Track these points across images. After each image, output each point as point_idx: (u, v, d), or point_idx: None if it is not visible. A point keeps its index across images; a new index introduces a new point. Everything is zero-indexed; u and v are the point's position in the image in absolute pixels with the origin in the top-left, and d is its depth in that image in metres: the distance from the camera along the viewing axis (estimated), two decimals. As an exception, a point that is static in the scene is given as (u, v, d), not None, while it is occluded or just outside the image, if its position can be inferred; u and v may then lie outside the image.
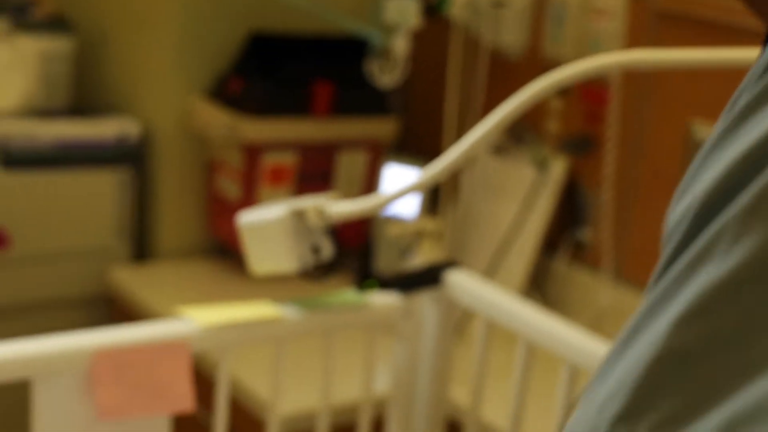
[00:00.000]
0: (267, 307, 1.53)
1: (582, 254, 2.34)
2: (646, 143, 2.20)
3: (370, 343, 1.63)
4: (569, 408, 1.50)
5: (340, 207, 1.40)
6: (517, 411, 1.56)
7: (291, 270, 1.44)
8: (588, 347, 1.44)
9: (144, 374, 1.42)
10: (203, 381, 1.63)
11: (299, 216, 1.41)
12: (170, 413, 1.46)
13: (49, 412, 1.40)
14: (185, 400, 1.45)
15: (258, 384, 1.97)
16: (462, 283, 1.63)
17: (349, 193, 2.32)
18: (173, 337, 1.45)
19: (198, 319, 1.47)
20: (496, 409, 1.80)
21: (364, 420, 1.66)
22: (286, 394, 1.61)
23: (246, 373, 1.98)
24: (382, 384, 1.77)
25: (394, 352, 1.69)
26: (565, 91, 2.31)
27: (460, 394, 1.81)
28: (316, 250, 1.44)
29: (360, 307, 1.60)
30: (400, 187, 1.41)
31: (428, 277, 1.63)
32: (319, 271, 2.38)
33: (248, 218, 1.46)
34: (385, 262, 2.41)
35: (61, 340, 1.41)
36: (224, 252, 2.57)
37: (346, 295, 1.60)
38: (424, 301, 1.65)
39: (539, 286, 2.35)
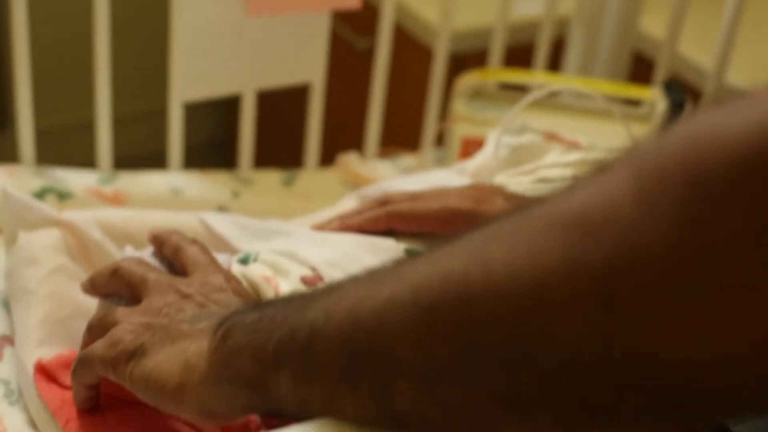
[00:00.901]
0: None
1: None
2: None
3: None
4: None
5: None
6: (727, 42, 1.34)
7: None
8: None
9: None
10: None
11: None
12: (331, 9, 1.27)
13: (189, 6, 1.21)
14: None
15: (426, 9, 1.71)
16: None
17: None
18: None
19: None
20: (695, 44, 1.56)
21: (544, 40, 1.46)
22: (458, 11, 1.41)
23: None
24: (566, 2, 1.54)
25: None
26: None
27: (652, 24, 1.59)
28: None
29: None
30: None
31: None
32: None
33: None
34: None
35: None
36: None
37: None
38: None
39: None
